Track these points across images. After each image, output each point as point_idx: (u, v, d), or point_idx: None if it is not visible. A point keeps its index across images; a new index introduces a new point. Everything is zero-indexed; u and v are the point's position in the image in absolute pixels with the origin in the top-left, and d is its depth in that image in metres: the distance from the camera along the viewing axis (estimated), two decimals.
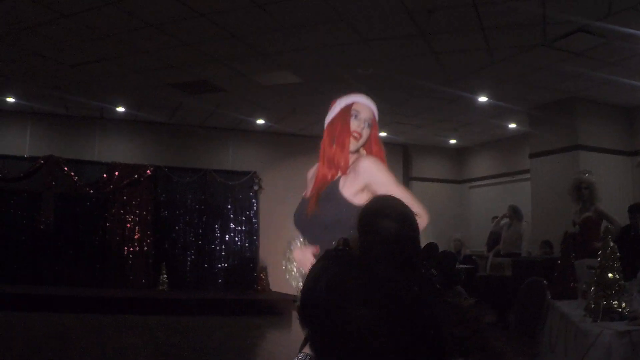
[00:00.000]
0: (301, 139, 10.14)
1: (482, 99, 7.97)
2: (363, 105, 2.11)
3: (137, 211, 9.29)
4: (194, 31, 5.84)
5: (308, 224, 2.02)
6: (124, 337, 6.37)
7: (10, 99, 8.77)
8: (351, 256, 1.55)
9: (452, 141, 11.24)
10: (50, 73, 7.32)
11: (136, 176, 9.35)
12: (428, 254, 5.26)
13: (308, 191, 2.14)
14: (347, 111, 2.09)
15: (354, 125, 2.07)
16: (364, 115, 2.09)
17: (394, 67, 6.76)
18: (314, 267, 1.58)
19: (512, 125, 9.66)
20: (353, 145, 2.06)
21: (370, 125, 2.11)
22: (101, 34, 5.91)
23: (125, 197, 9.30)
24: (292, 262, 1.98)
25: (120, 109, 9.16)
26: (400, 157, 11.43)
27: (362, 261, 1.53)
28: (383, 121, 8.82)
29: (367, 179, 1.93)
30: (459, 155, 11.95)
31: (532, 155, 8.68)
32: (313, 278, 1.52)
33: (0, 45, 6.30)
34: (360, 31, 5.72)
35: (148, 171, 9.42)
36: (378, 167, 1.96)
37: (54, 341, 5.79)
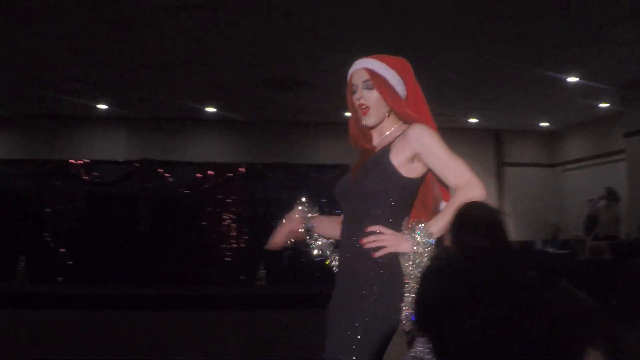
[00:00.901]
0: None
1: (572, 79, 8.55)
2: (355, 72, 2.08)
3: (233, 209, 10.51)
4: (279, 28, 6.54)
5: (348, 192, 2.08)
6: (225, 334, 7.20)
7: (103, 106, 10.35)
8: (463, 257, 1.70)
9: (543, 124, 11.88)
10: (139, 77, 8.46)
11: (230, 174, 10.57)
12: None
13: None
14: (348, 92, 2.12)
15: (355, 101, 2.07)
16: (358, 80, 2.06)
17: (483, 51, 7.36)
18: (429, 269, 1.78)
19: (603, 105, 10.13)
20: (370, 119, 2.05)
21: (372, 86, 2.03)
22: (187, 35, 6.76)
23: (220, 196, 10.54)
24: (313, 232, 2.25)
25: (211, 109, 10.48)
26: (492, 143, 12.16)
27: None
28: (473, 108, 10.17)
29: (417, 148, 1.93)
30: (550, 138, 12.56)
31: (627, 135, 9.19)
32: (432, 279, 1.71)
33: (92, 54, 7.40)
34: (447, 19, 6.37)
35: (241, 169, 10.57)
36: (428, 133, 1.95)
37: (156, 339, 6.62)
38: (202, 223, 10.68)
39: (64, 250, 10.43)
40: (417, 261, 1.86)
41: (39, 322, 7.71)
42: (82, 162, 10.52)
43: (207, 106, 10.36)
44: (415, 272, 1.85)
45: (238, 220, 10.69)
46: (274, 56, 7.63)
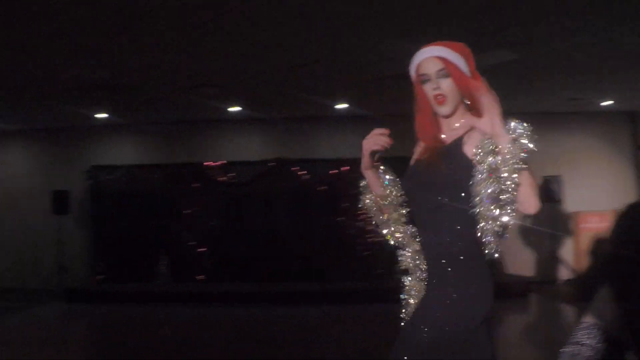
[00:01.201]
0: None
1: None
2: (424, 61, 2.12)
3: None
4: (404, 25, 6.65)
5: (420, 185, 2.19)
6: (370, 327, 7.69)
7: (237, 108, 11.15)
8: None
9: None
10: (271, 78, 8.87)
11: None
12: None
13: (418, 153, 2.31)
14: (417, 82, 2.18)
15: (429, 92, 2.13)
16: (430, 69, 2.10)
17: (616, 30, 7.12)
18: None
19: None
20: (447, 108, 2.12)
21: (448, 74, 2.08)
22: (315, 34, 6.96)
23: (355, 191, 11.14)
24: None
25: (341, 106, 10.86)
26: (628, 126, 11.77)
27: None
28: (606, 89, 9.80)
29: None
30: None
31: None
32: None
33: (226, 58, 7.80)
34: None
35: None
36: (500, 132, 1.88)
37: (299, 334, 7.20)
38: (339, 219, 11.09)
39: (204, 249, 11.29)
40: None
41: (184, 319, 8.53)
42: (218, 164, 11.37)
43: (338, 103, 10.72)
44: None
45: None
46: (403, 50, 7.79)
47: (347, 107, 11.01)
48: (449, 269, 2.05)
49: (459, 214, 2.00)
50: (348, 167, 11.03)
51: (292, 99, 10.16)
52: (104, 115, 11.18)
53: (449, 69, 2.08)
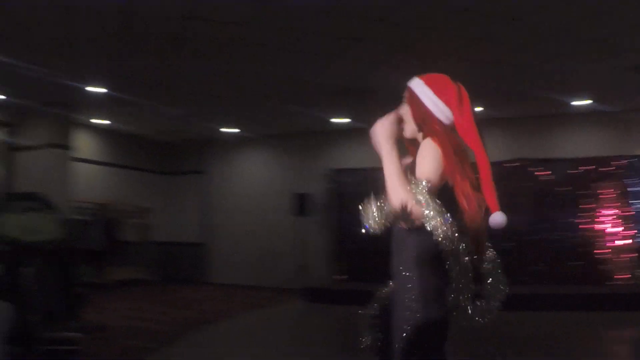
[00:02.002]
0: None
1: None
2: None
3: (609, 205, 11.53)
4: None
5: None
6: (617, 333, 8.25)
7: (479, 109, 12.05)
8: None
9: None
10: (515, 77, 9.64)
11: (606, 169, 11.61)
12: None
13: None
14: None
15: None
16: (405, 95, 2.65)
17: None
18: None
19: None
20: (406, 132, 2.63)
21: (406, 102, 2.62)
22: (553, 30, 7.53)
23: (595, 191, 11.59)
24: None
25: (579, 103, 11.38)
26: None
27: None
28: None
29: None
30: None
31: None
32: None
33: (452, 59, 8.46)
34: None
35: (620, 162, 11.57)
36: (427, 148, 2.41)
37: (550, 339, 7.72)
38: (578, 221, 11.79)
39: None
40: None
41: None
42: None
43: (576, 100, 11.34)
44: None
45: (615, 216, 11.61)
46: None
47: (585, 104, 11.57)
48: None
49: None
50: (585, 167, 11.77)
51: (529, 98, 10.96)
52: (345, 120, 12.80)
53: (407, 96, 2.59)
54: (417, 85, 2.56)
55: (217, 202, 14.89)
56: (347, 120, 12.82)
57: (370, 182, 10.19)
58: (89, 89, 10.06)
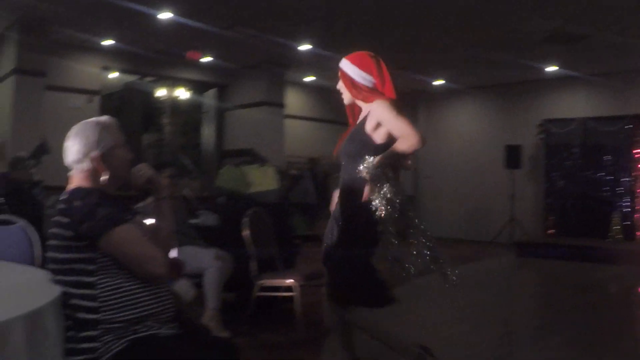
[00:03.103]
0: None
1: None
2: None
3: None
4: None
5: (342, 154, 3.52)
6: None
7: None
8: None
9: None
10: None
11: None
12: None
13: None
14: None
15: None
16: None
17: None
18: None
19: None
20: (345, 99, 3.61)
21: (340, 78, 3.56)
22: None
23: None
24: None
25: None
26: None
27: None
28: None
29: (378, 118, 3.32)
30: None
31: None
32: None
33: None
34: None
35: None
36: (383, 106, 3.33)
37: None
38: None
39: None
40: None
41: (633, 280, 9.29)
42: None
43: None
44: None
45: None
46: None
47: None
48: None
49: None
50: None
51: None
52: (554, 68, 12.44)
53: (340, 74, 3.54)
54: (344, 64, 3.52)
55: (427, 155, 15.13)
56: (557, 68, 12.46)
57: (582, 132, 10.20)
58: (300, 47, 10.61)
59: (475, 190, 14.44)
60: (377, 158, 3.16)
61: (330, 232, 3.52)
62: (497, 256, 11.80)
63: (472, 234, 14.23)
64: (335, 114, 14.61)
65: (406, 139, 3.21)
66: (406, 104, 15.10)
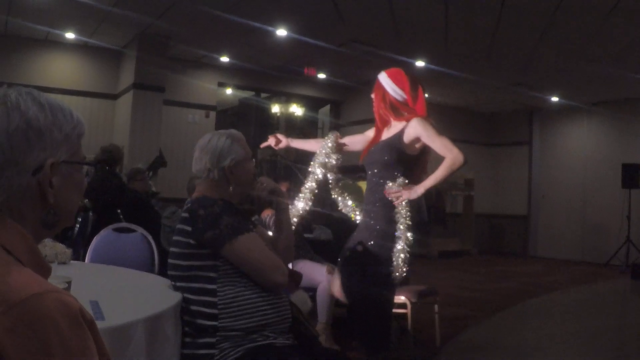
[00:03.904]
0: None
1: None
2: None
3: None
4: None
5: (371, 162, 3.70)
6: None
7: None
8: None
9: None
10: None
11: None
12: None
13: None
14: None
15: None
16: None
17: None
18: None
19: None
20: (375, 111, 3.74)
21: (373, 91, 3.69)
22: None
23: None
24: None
25: None
26: None
27: None
28: None
29: (417, 134, 3.53)
30: None
31: None
32: None
33: None
34: None
35: None
36: (423, 123, 3.53)
37: None
38: None
39: None
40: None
41: None
42: None
43: None
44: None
45: None
46: None
47: None
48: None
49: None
50: None
51: None
52: None
53: (374, 86, 3.65)
54: (382, 76, 3.67)
55: (542, 174, 14.69)
56: None
57: None
58: (416, 64, 10.58)
59: (590, 210, 13.88)
60: (422, 185, 3.48)
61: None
62: (611, 279, 11.28)
63: (587, 256, 13.65)
64: (449, 131, 14.41)
65: (452, 156, 3.41)
66: (521, 120, 14.80)
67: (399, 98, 3.61)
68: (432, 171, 3.49)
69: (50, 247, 3.19)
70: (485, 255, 14.28)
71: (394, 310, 4.97)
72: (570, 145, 14.52)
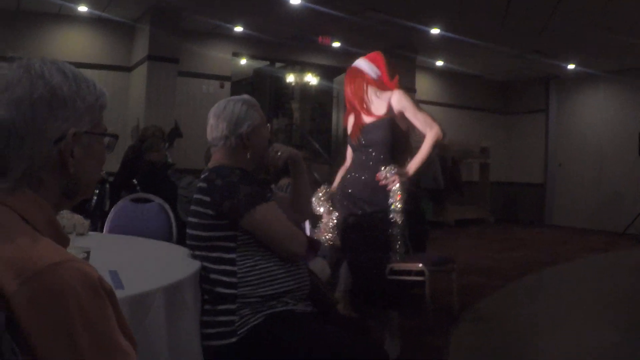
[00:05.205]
0: None
1: None
2: None
3: None
4: None
5: (359, 142, 4.05)
6: None
7: None
8: None
9: None
10: None
11: None
12: None
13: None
14: None
15: None
16: None
17: None
18: None
19: None
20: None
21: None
22: None
23: None
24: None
25: None
26: None
27: None
28: None
29: (400, 108, 3.89)
30: None
31: None
32: None
33: None
34: None
35: None
36: (402, 98, 3.90)
37: None
38: None
39: None
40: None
41: None
42: None
43: None
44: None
45: None
46: None
47: None
48: None
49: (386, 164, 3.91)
50: None
51: None
52: None
53: (350, 75, 4.03)
54: (359, 62, 4.01)
55: (558, 142, 14.54)
56: None
57: None
58: (432, 31, 10.46)
59: (606, 179, 13.73)
60: (410, 167, 3.80)
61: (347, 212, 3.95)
62: (628, 248, 11.13)
63: (603, 225, 13.44)
64: (464, 99, 14.38)
65: (433, 132, 3.71)
66: (537, 88, 14.62)
67: (375, 77, 3.93)
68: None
69: (68, 218, 3.20)
70: (501, 223, 14.20)
71: (411, 278, 4.97)
72: (587, 113, 14.33)
